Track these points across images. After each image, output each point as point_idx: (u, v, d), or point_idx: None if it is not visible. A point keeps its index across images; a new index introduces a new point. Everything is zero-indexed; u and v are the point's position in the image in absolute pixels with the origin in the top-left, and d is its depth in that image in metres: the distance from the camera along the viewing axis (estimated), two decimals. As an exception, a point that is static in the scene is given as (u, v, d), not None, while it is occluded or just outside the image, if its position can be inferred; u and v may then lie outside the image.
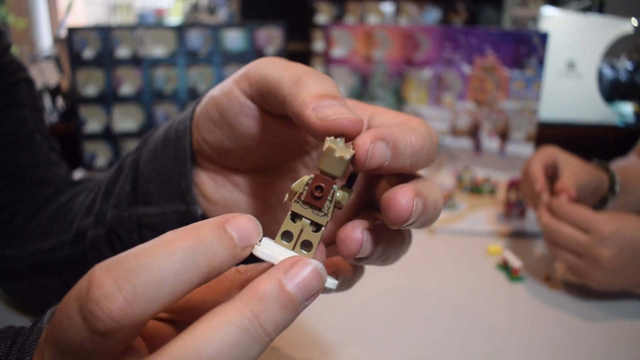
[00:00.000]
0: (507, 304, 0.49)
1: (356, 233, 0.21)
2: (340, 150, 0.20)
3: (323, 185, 0.20)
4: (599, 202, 0.59)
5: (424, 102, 0.90)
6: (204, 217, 0.29)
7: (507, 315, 0.47)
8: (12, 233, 0.42)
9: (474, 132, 0.89)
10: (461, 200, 0.76)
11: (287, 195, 0.20)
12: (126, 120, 0.85)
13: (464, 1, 1.17)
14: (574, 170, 0.56)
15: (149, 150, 0.30)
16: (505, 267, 0.56)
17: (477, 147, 0.90)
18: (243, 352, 0.15)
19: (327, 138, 0.20)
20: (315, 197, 0.20)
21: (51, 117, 1.03)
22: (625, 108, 1.07)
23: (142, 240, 0.30)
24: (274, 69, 0.23)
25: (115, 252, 0.32)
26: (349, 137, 0.20)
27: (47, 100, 1.04)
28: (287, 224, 0.20)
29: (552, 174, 0.58)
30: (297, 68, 0.23)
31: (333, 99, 0.21)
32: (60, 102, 1.05)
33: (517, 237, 0.65)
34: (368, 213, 0.27)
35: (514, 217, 0.69)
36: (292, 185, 0.20)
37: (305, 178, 0.20)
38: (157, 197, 0.29)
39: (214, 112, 0.26)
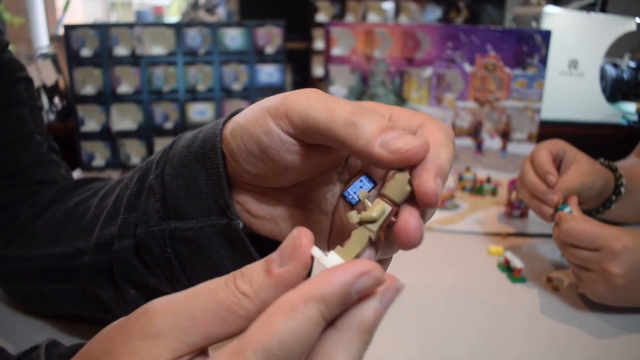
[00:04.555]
0: (508, 304, 0.49)
1: (416, 222, 0.21)
2: (408, 182, 0.21)
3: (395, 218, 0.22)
4: (603, 204, 0.58)
5: (425, 102, 0.89)
6: (245, 229, 0.29)
7: (508, 315, 0.47)
8: (14, 234, 0.42)
9: (475, 132, 0.89)
10: (462, 201, 0.75)
11: (355, 217, 0.21)
12: (125, 119, 0.84)
13: (464, -1, 1.17)
14: (581, 168, 0.54)
15: (171, 166, 0.31)
16: (506, 267, 0.55)
17: (479, 147, 0.89)
18: (311, 337, 0.18)
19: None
20: (389, 225, 0.22)
21: (48, 116, 1.02)
22: (629, 107, 1.07)
23: (176, 253, 0.31)
24: (319, 110, 0.23)
25: (145, 264, 0.32)
26: (417, 163, 0.21)
27: (44, 100, 1.03)
28: (361, 246, 0.21)
29: (557, 167, 0.57)
30: (342, 107, 0.23)
31: (391, 130, 0.22)
32: (57, 101, 1.05)
33: (519, 237, 0.64)
34: None
35: (516, 217, 0.69)
36: (370, 213, 0.21)
37: (387, 208, 0.21)
38: (191, 213, 0.30)
39: (254, 148, 0.26)
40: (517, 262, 0.54)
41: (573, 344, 0.43)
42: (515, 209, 0.68)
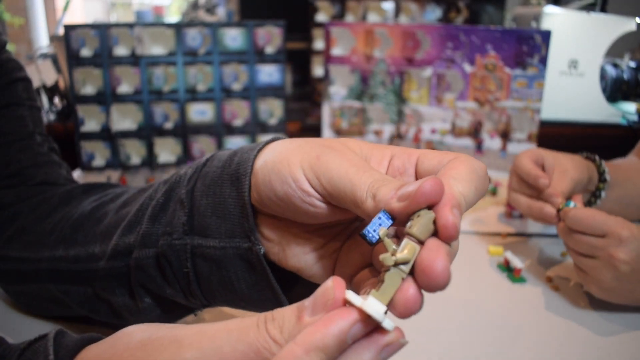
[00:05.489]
0: (508, 304, 0.49)
1: (442, 264, 0.21)
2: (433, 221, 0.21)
3: None
4: (593, 194, 0.59)
5: (425, 102, 0.89)
6: (265, 256, 0.30)
7: (508, 316, 0.47)
8: (17, 234, 0.41)
9: (475, 132, 0.89)
10: (462, 201, 0.75)
11: (390, 260, 0.21)
12: (125, 119, 0.84)
13: (464, -1, 1.17)
14: (564, 168, 0.55)
15: (204, 183, 0.31)
16: (506, 267, 0.55)
17: (479, 147, 0.89)
18: None
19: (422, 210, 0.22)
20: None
21: (48, 116, 1.02)
22: (629, 107, 1.07)
23: (195, 268, 0.31)
24: (346, 184, 0.24)
25: (164, 275, 0.33)
26: (437, 198, 0.21)
27: (44, 100, 1.03)
28: (396, 287, 0.21)
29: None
30: (366, 180, 0.24)
31: (406, 185, 0.22)
32: (57, 101, 1.05)
33: (519, 237, 0.64)
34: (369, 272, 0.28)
35: (516, 217, 0.69)
36: (404, 254, 0.21)
37: (417, 248, 0.21)
38: (216, 231, 0.30)
39: (278, 189, 0.27)
40: (517, 262, 0.54)
41: (573, 343, 0.43)
42: (515, 209, 0.68)
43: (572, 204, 0.50)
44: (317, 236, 0.29)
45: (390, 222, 0.22)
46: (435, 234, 0.21)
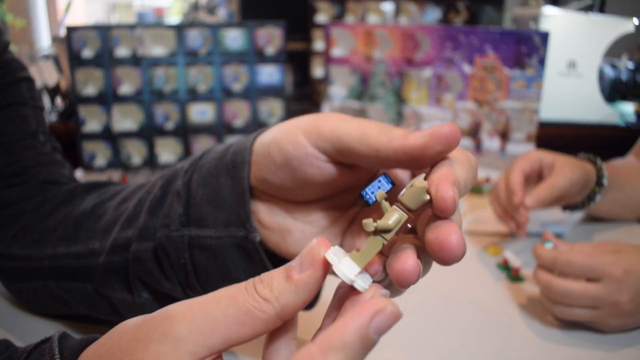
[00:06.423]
0: (507, 304, 0.49)
1: (411, 263, 0.21)
2: (426, 191, 0.21)
3: (411, 224, 0.22)
4: (588, 197, 0.59)
5: (424, 102, 0.90)
6: (262, 244, 0.30)
7: (507, 315, 0.47)
8: (20, 232, 0.42)
9: (474, 132, 0.89)
10: (461, 201, 0.75)
11: (370, 226, 0.21)
12: (126, 120, 0.84)
13: (464, 0, 1.17)
14: (562, 167, 0.55)
15: (200, 175, 0.32)
16: (505, 267, 0.56)
17: (478, 147, 0.89)
18: None
19: (416, 178, 0.22)
20: (405, 232, 0.22)
21: (50, 116, 1.03)
22: (626, 107, 1.07)
23: (193, 259, 0.32)
24: (352, 127, 0.25)
25: (161, 268, 0.33)
26: (453, 144, 0.22)
27: (46, 100, 1.04)
28: (374, 253, 0.21)
29: (537, 180, 0.58)
30: (374, 124, 0.25)
31: (418, 130, 0.23)
32: (59, 101, 1.05)
33: (518, 237, 0.64)
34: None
35: (515, 217, 0.69)
36: (387, 222, 0.21)
37: (404, 217, 0.21)
38: (212, 221, 0.31)
39: (277, 156, 0.27)
40: (515, 262, 0.54)
41: (573, 343, 0.43)
42: (514, 209, 0.69)
43: (550, 245, 0.47)
44: (319, 219, 0.30)
45: (390, 186, 0.22)
46: (427, 207, 0.21)
